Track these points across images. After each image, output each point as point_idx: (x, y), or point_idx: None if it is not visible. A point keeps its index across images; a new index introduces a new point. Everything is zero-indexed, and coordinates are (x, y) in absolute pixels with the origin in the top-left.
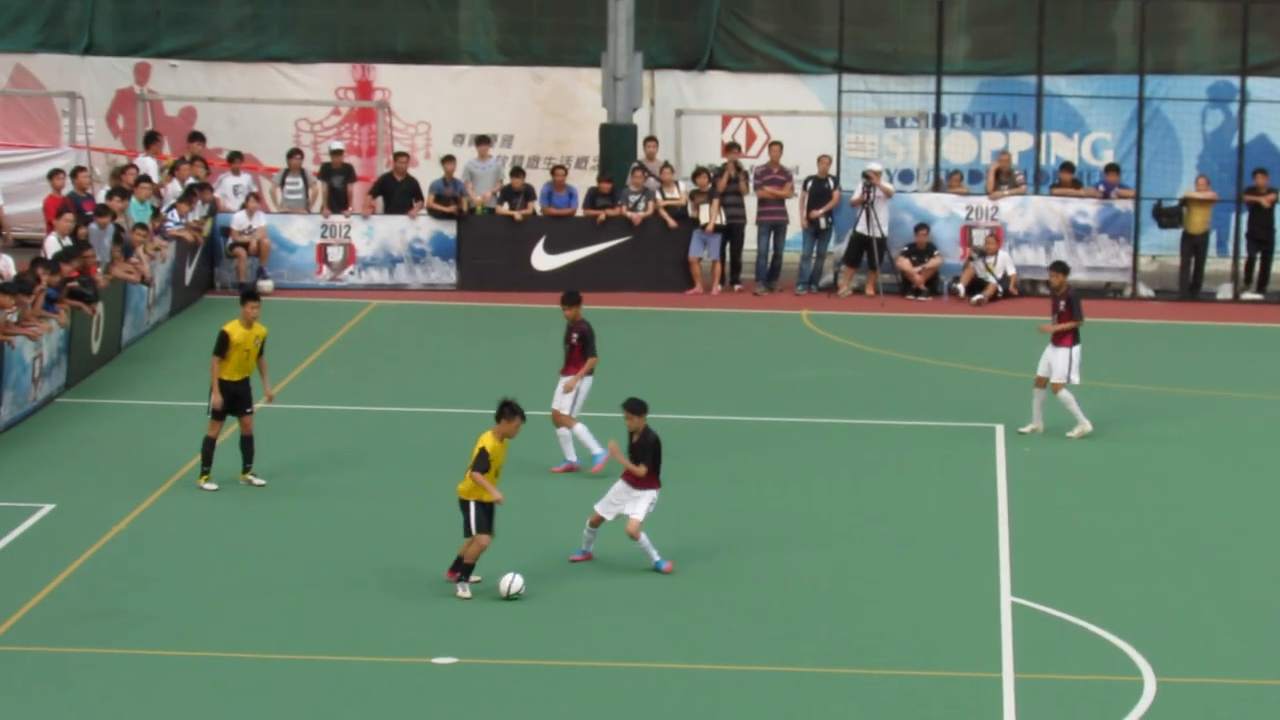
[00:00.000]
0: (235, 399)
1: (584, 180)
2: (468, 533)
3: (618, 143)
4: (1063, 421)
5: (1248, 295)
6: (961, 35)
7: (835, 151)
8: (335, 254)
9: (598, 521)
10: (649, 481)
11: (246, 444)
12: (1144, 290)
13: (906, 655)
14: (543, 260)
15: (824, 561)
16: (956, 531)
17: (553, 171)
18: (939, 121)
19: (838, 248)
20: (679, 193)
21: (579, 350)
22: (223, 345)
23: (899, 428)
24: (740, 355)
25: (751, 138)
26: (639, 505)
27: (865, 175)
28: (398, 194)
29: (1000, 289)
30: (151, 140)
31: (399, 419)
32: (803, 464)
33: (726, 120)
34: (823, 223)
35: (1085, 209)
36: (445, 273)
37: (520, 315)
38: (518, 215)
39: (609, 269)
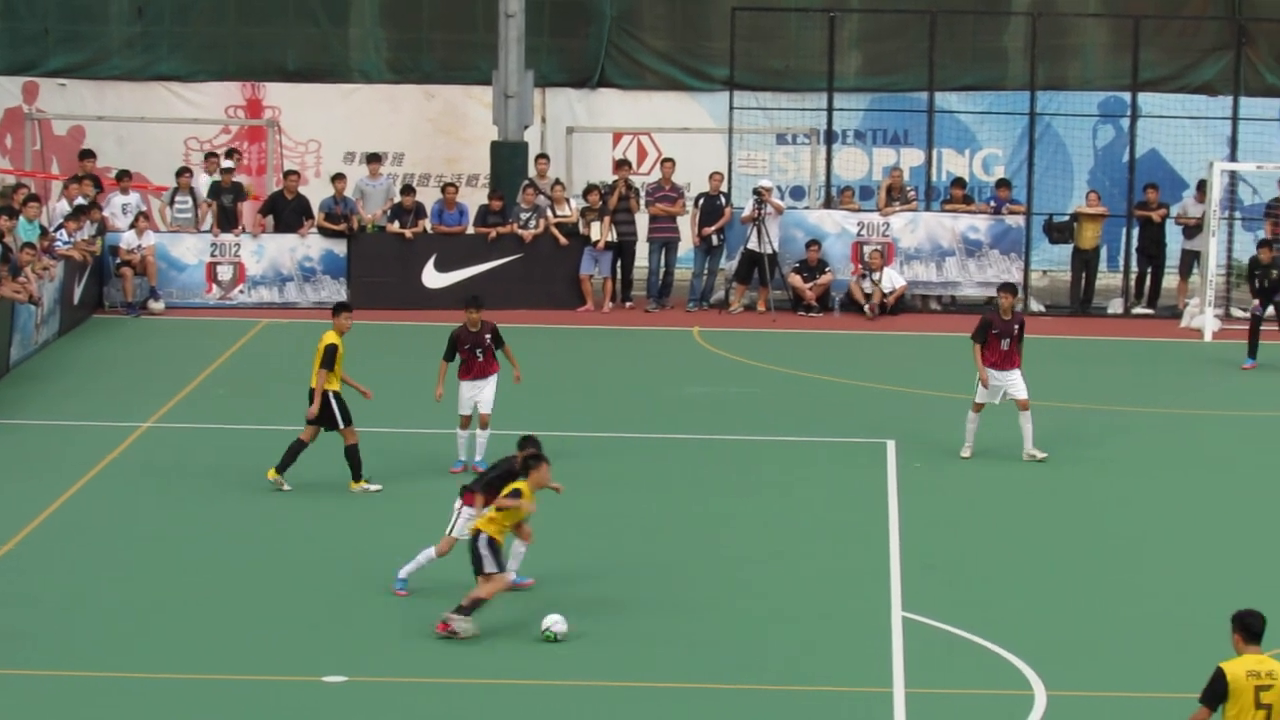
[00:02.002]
0: (344, 408)
1: (475, 198)
2: (480, 571)
3: (509, 160)
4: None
5: (1138, 310)
6: (853, 51)
7: (727, 168)
8: (225, 273)
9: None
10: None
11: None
12: (1035, 305)
13: (797, 671)
14: (434, 278)
15: (715, 577)
16: (847, 547)
17: (443, 189)
18: (830, 138)
19: (729, 264)
20: (570, 210)
21: (491, 351)
22: (331, 357)
23: (791, 444)
24: (632, 372)
25: (643, 155)
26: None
27: (756, 192)
28: (287, 212)
29: (880, 305)
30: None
31: (289, 437)
32: (695, 481)
33: (618, 137)
34: (714, 239)
35: (976, 225)
36: (336, 291)
37: (411, 333)
38: (408, 233)
39: (500, 287)
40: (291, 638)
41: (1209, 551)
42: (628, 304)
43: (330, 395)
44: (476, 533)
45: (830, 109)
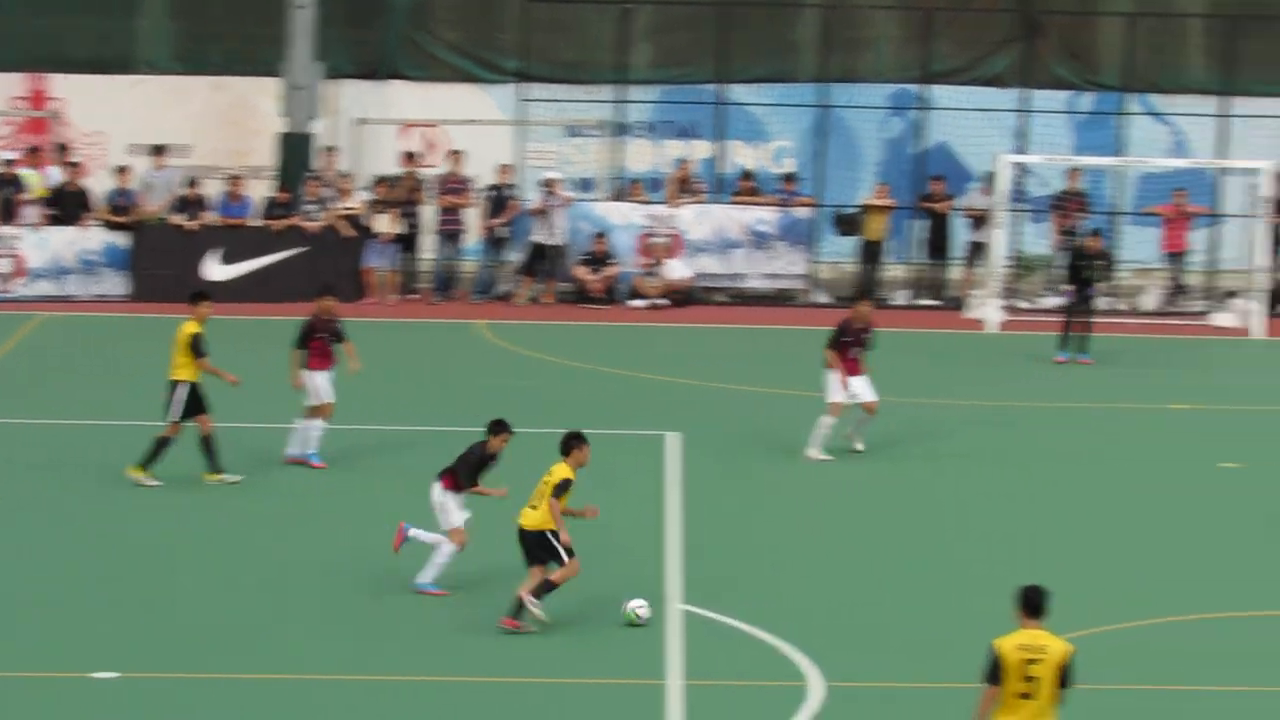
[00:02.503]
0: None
1: (262, 190)
2: (545, 562)
3: (296, 152)
4: (741, 431)
5: (924, 302)
6: (643, 44)
7: (515, 161)
8: (4, 266)
9: None
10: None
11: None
12: (821, 297)
13: (572, 663)
14: (218, 270)
15: (493, 568)
16: (627, 538)
17: (229, 181)
18: (620, 130)
19: (516, 256)
20: (356, 202)
21: (330, 342)
22: (197, 346)
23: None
24: (417, 365)
25: (432, 147)
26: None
27: (544, 184)
28: (70, 205)
29: (666, 297)
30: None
31: (69, 433)
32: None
33: (407, 129)
34: (501, 232)
35: (765, 217)
36: (117, 284)
37: None
38: (194, 225)
39: (285, 279)
40: (65, 633)
41: (999, 543)
42: (413, 296)
43: (185, 385)
44: (543, 531)
45: (620, 101)
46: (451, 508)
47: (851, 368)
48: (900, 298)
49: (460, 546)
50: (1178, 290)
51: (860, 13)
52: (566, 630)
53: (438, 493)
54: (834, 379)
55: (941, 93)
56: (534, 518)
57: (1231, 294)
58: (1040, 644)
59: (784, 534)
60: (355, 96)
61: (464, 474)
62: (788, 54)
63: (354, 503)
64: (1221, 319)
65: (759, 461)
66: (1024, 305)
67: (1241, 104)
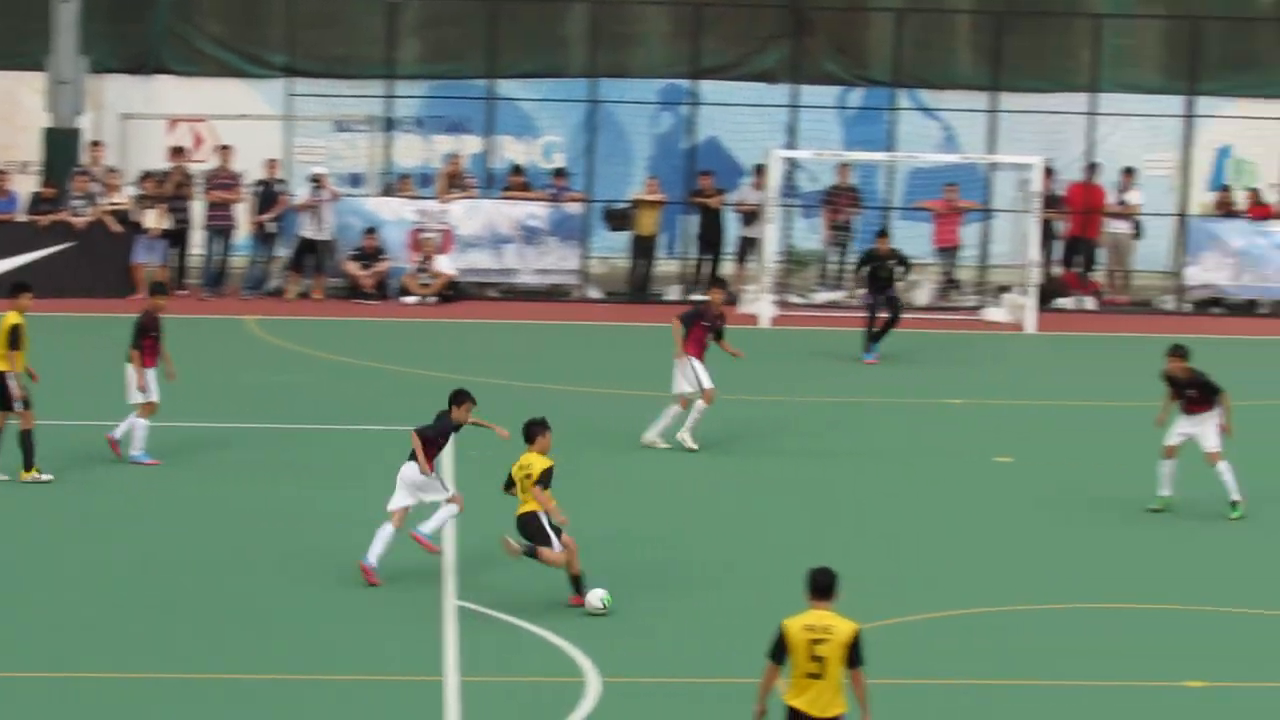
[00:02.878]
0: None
1: (28, 185)
2: (533, 548)
3: (62, 147)
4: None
5: (697, 297)
6: (412, 39)
7: (284, 155)
8: None
9: None
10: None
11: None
12: (593, 292)
13: (349, 660)
14: None
15: (264, 568)
16: (401, 535)
17: None
18: (389, 125)
19: (285, 252)
20: (124, 197)
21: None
22: (15, 337)
23: (348, 432)
24: (187, 361)
25: (200, 142)
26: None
27: (312, 179)
28: None
29: (439, 293)
30: None
31: None
32: (250, 469)
33: (174, 124)
34: (271, 227)
35: (535, 212)
36: None
37: None
38: None
39: (52, 275)
40: None
41: (776, 537)
42: (182, 293)
43: (9, 376)
44: (534, 512)
45: (390, 96)
46: (437, 484)
47: (700, 352)
48: (673, 293)
49: (460, 508)
50: (950, 285)
51: (629, 8)
52: (342, 626)
53: (412, 472)
54: (681, 369)
55: (711, 88)
56: (527, 507)
57: (1004, 289)
58: (826, 624)
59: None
60: (121, 91)
61: (434, 443)
62: (557, 49)
63: (157, 500)
64: (994, 314)
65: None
66: (797, 300)
67: (1010, 99)
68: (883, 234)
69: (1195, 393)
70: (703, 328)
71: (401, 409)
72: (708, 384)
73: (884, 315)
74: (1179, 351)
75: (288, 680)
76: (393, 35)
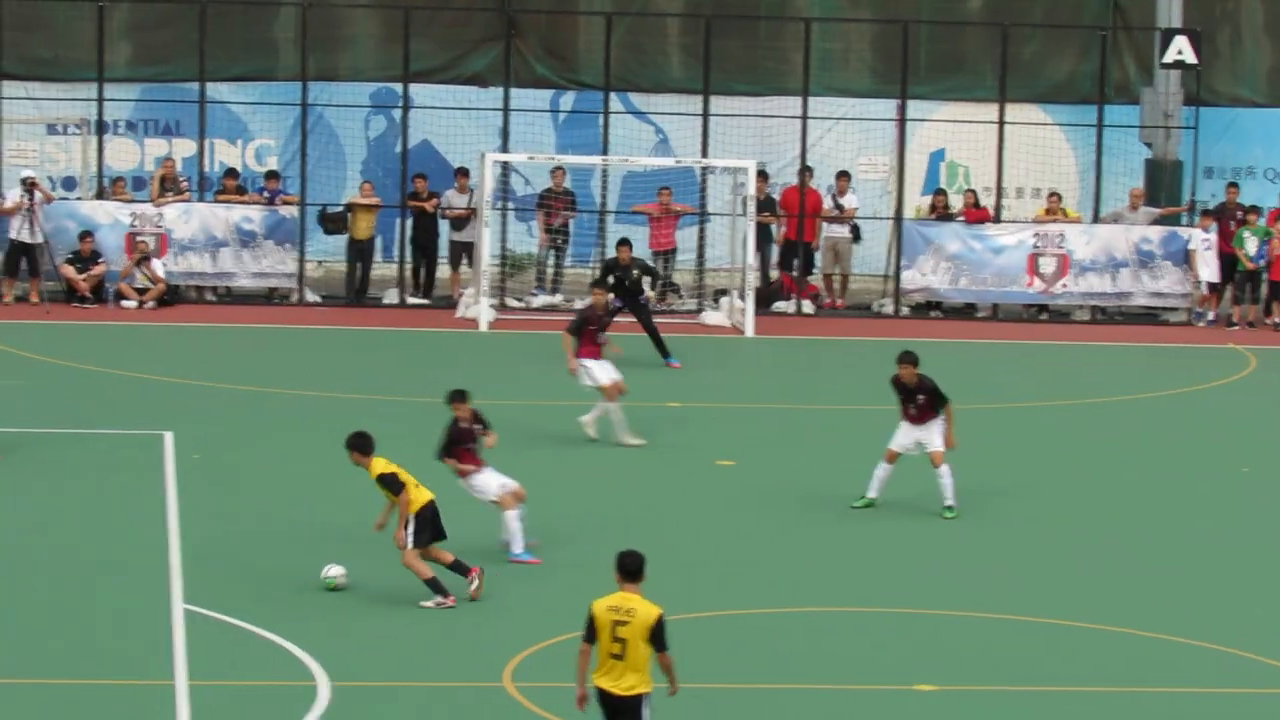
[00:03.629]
0: None
1: None
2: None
3: None
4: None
5: (414, 300)
6: (123, 41)
7: None
8: None
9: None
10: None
11: None
12: (311, 296)
13: (76, 664)
14: None
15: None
16: (125, 539)
17: None
18: (101, 128)
19: None
20: None
21: None
22: None
23: (66, 435)
24: None
25: None
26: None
27: (24, 182)
28: None
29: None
30: None
31: None
32: None
33: None
34: None
35: (251, 215)
36: None
37: None
38: None
39: None
40: None
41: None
42: None
43: None
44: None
45: (101, 99)
46: (480, 484)
47: (595, 352)
48: (390, 297)
49: (513, 504)
50: (668, 289)
51: (338, 11)
52: (68, 631)
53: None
54: (583, 366)
55: (423, 91)
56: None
57: (722, 293)
58: (629, 606)
59: (279, 531)
60: None
61: (444, 447)
62: (267, 52)
63: None
64: (712, 317)
65: (252, 460)
66: (514, 304)
67: (722, 103)
68: (624, 243)
69: (924, 399)
70: (591, 331)
71: (122, 412)
72: (606, 380)
73: (643, 325)
74: (909, 357)
75: (12, 685)
76: (103, 38)
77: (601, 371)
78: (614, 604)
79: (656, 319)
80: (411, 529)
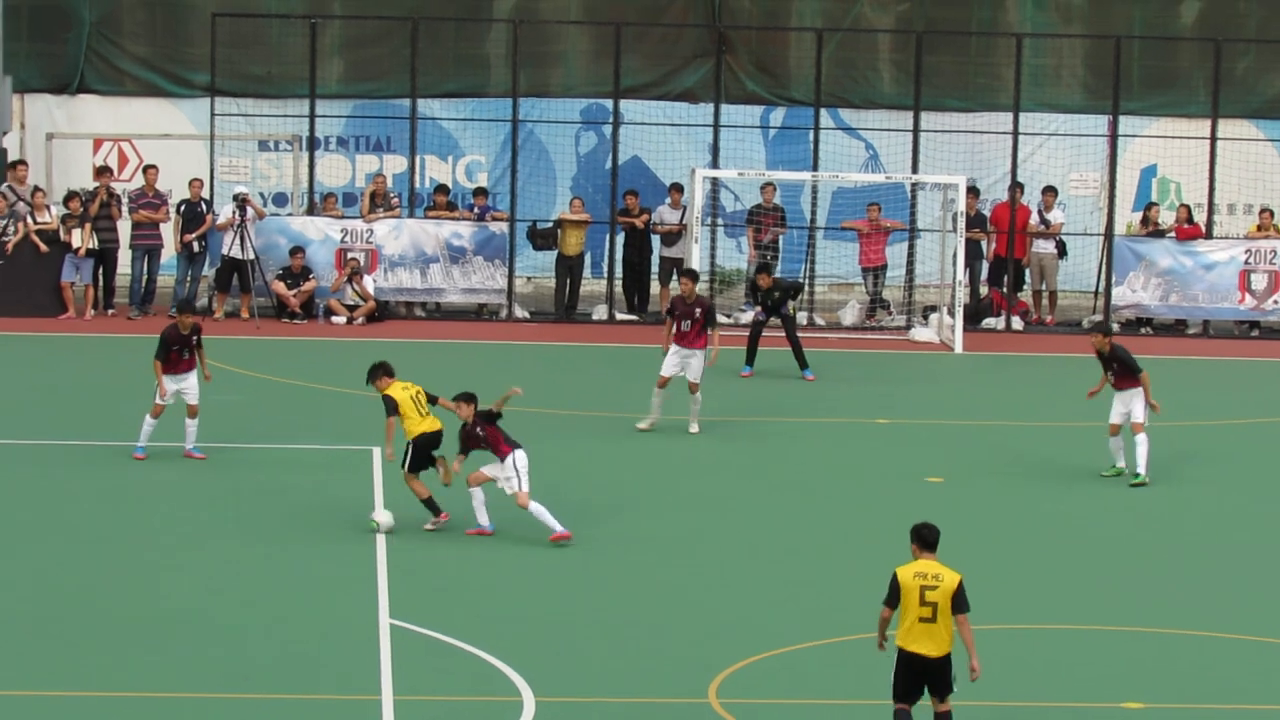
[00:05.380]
0: None
1: None
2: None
3: None
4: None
5: (623, 316)
6: (335, 58)
7: (208, 175)
8: None
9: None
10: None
11: None
12: (520, 312)
13: (284, 678)
14: None
15: (197, 586)
16: (335, 554)
17: None
18: (313, 144)
19: (211, 271)
20: (50, 217)
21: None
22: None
23: (278, 451)
24: (115, 380)
25: (124, 161)
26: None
27: (236, 198)
28: None
29: (364, 314)
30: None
31: None
32: (180, 490)
33: (99, 144)
34: (196, 246)
35: (460, 231)
36: None
37: None
38: None
39: None
40: None
41: (687, 558)
42: (110, 311)
43: None
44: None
45: (312, 115)
46: (503, 475)
47: (683, 340)
48: (599, 313)
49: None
50: (877, 305)
51: (549, 27)
52: (275, 644)
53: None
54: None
55: (634, 107)
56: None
57: (931, 309)
58: (935, 572)
59: (484, 547)
60: (45, 110)
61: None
62: (479, 68)
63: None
64: (921, 334)
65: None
66: (723, 319)
67: (933, 119)
68: (762, 270)
69: (1118, 366)
70: (676, 317)
71: (334, 427)
72: (666, 371)
73: (787, 335)
74: (1100, 327)
75: (220, 699)
76: (315, 54)
77: (690, 361)
78: (919, 570)
79: (863, 334)
80: (409, 455)
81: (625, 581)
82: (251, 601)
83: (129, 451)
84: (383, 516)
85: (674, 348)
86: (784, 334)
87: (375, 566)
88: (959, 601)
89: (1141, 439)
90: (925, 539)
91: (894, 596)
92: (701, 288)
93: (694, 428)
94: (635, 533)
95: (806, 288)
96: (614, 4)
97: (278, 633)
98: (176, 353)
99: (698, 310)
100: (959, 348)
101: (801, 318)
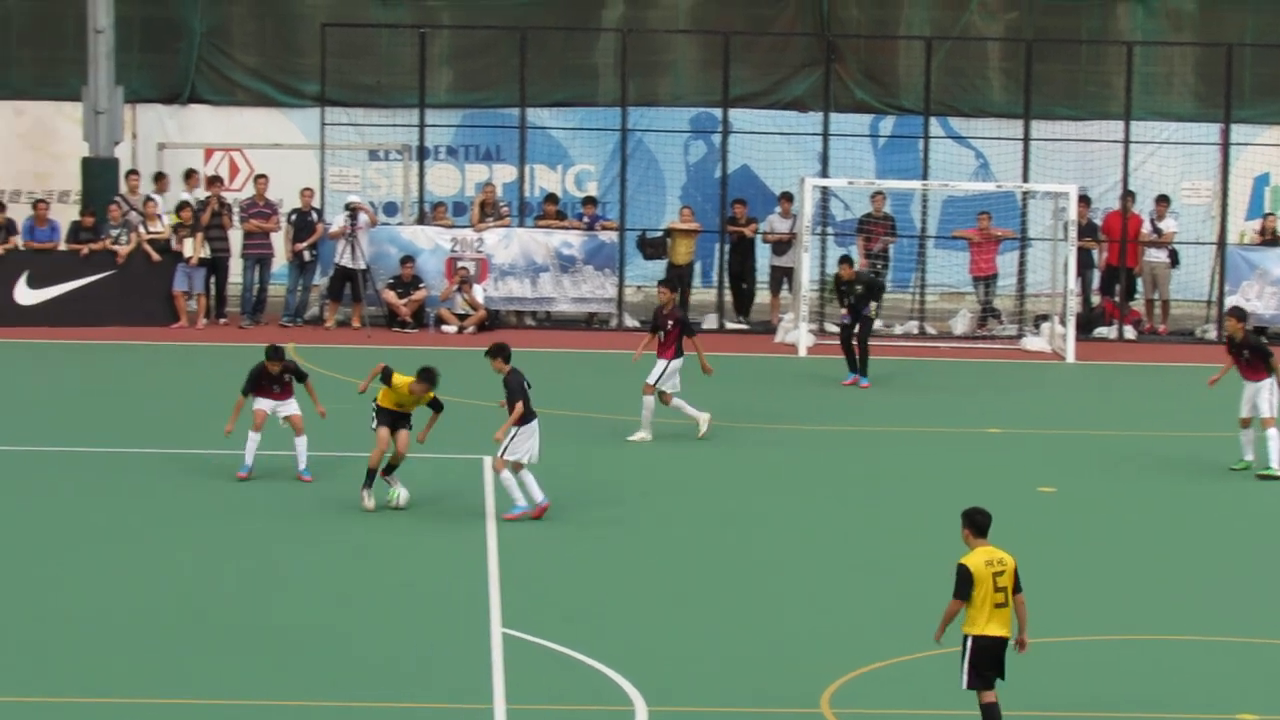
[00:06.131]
0: None
1: (67, 214)
2: None
3: (100, 176)
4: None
5: (732, 325)
6: (444, 68)
7: (319, 184)
8: None
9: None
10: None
11: None
12: (629, 321)
13: (397, 687)
14: (26, 295)
15: (312, 595)
16: (447, 563)
17: (34, 205)
18: (423, 154)
19: (322, 280)
20: (162, 226)
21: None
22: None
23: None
24: (225, 388)
25: (235, 171)
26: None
27: (347, 207)
28: None
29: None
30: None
31: None
32: (288, 498)
33: (210, 153)
34: (307, 255)
35: (570, 240)
36: None
37: (2, 350)
38: None
39: (93, 303)
40: None
41: (797, 567)
42: (222, 320)
43: None
44: None
45: (422, 125)
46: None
47: (657, 349)
48: (709, 322)
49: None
50: (989, 314)
51: (658, 37)
52: (388, 655)
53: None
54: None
55: (742, 116)
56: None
57: (1043, 318)
58: (999, 557)
59: (596, 555)
60: (156, 120)
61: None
62: (588, 78)
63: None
64: (1033, 343)
65: (570, 484)
66: (833, 329)
67: (1043, 127)
68: (844, 260)
69: (1249, 354)
70: (653, 329)
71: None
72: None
73: (858, 342)
74: (1236, 312)
75: (333, 708)
76: (424, 64)
77: (666, 370)
78: (987, 558)
79: (975, 343)
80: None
81: (736, 592)
82: (364, 611)
83: (238, 461)
84: (401, 493)
85: (654, 359)
86: (857, 337)
87: (487, 576)
88: (1019, 581)
89: (1273, 433)
90: (980, 525)
91: (966, 588)
92: (811, 296)
93: (644, 434)
94: (745, 542)
95: (918, 297)
96: (723, 13)
97: (391, 642)
98: (266, 387)
99: (670, 322)
100: (1071, 357)
101: (913, 326)
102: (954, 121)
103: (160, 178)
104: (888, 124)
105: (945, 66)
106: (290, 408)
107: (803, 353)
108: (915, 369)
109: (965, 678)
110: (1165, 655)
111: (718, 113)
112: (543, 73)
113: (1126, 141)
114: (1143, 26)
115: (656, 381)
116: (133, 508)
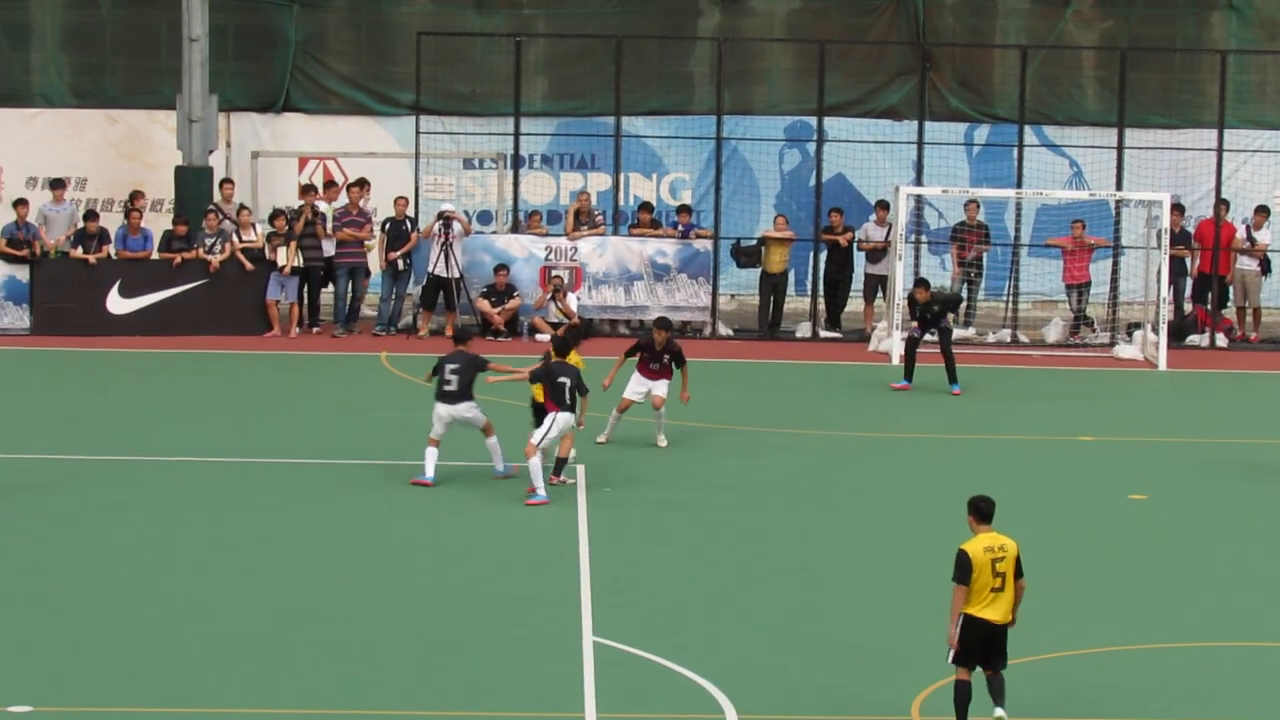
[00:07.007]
0: None
1: (160, 223)
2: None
3: (193, 185)
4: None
5: (826, 333)
6: (539, 76)
7: (413, 192)
8: None
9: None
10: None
11: None
12: (723, 329)
13: (488, 696)
14: (118, 304)
15: (402, 601)
16: (538, 571)
17: (127, 214)
18: (517, 162)
19: (416, 289)
20: (256, 235)
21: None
22: None
23: (481, 468)
24: (319, 397)
25: (329, 179)
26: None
27: (442, 215)
28: None
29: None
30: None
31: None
32: (382, 505)
33: (304, 162)
34: (401, 264)
35: (664, 249)
36: (18, 318)
37: (96, 360)
38: (92, 259)
39: (186, 312)
40: None
41: (886, 573)
42: (315, 329)
43: None
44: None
45: (517, 133)
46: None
47: (651, 375)
48: (803, 330)
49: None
50: (1081, 322)
51: (753, 45)
52: (481, 663)
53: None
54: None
55: (837, 125)
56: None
57: (1135, 326)
58: (1000, 543)
59: (686, 564)
60: (250, 129)
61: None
62: (683, 86)
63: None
64: (1125, 351)
65: (660, 492)
66: (927, 338)
67: (1137, 136)
68: (920, 284)
69: None
70: (645, 358)
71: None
72: (659, 393)
73: (941, 347)
74: None
75: (424, 715)
76: (519, 73)
77: (656, 387)
78: (987, 544)
79: (1067, 351)
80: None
81: (824, 598)
82: (458, 618)
83: (327, 469)
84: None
85: (636, 375)
86: (938, 347)
87: (579, 584)
88: (1020, 567)
89: None
90: (984, 511)
91: (965, 573)
92: (905, 304)
93: (661, 441)
94: (834, 549)
95: (1011, 305)
96: (818, 22)
97: (481, 650)
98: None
99: (666, 356)
100: (1163, 365)
101: (1005, 334)
102: (1048, 130)
103: (330, 186)
104: (982, 132)
105: (1040, 75)
106: (469, 412)
107: (895, 361)
108: (1008, 377)
109: (952, 652)
110: (1258, 662)
111: (812, 121)
112: (638, 81)
113: (1220, 150)
114: (1237, 35)
115: (654, 389)
116: (235, 517)
